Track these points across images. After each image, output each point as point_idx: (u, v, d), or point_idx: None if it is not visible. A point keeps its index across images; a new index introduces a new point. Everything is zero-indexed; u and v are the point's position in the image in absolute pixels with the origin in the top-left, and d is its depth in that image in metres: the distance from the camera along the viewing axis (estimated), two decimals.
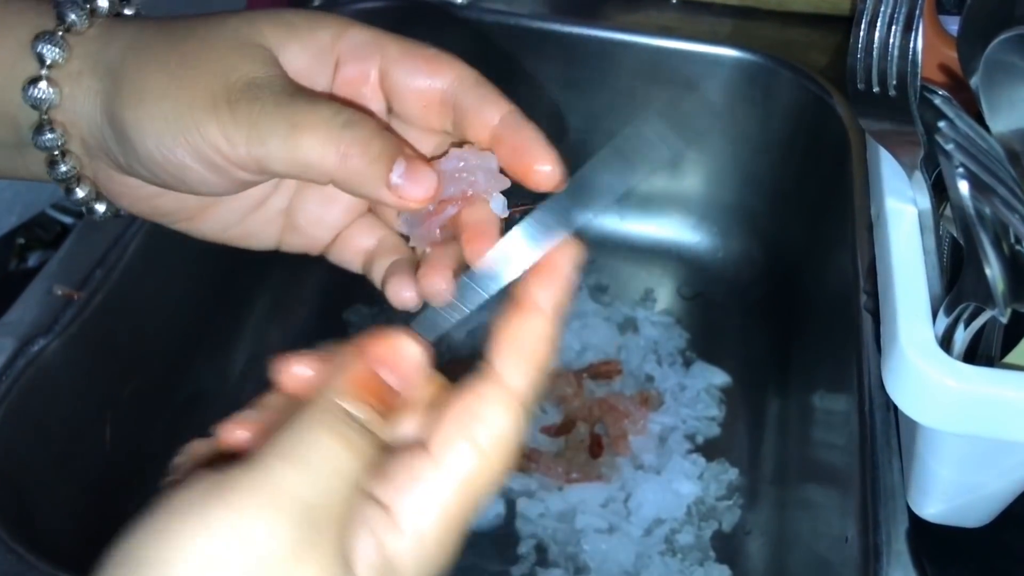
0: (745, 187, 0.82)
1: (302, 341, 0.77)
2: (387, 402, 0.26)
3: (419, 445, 0.27)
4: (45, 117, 0.34)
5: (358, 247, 0.36)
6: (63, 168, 0.35)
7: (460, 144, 0.33)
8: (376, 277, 0.35)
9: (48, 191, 0.65)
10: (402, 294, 0.32)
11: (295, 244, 0.37)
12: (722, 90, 0.78)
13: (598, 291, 0.83)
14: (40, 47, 0.33)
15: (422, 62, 0.33)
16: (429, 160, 0.32)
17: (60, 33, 0.34)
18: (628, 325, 0.81)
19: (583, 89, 0.80)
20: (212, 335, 0.71)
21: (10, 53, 0.34)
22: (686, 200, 0.85)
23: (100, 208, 0.37)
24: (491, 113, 0.32)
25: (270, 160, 0.31)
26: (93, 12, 0.35)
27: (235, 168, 0.31)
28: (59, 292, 0.56)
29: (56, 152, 0.35)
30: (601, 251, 0.85)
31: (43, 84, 0.33)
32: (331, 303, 0.81)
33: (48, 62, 0.33)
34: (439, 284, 0.30)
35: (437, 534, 0.26)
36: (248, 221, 0.37)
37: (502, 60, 0.79)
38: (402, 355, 0.27)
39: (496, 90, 0.33)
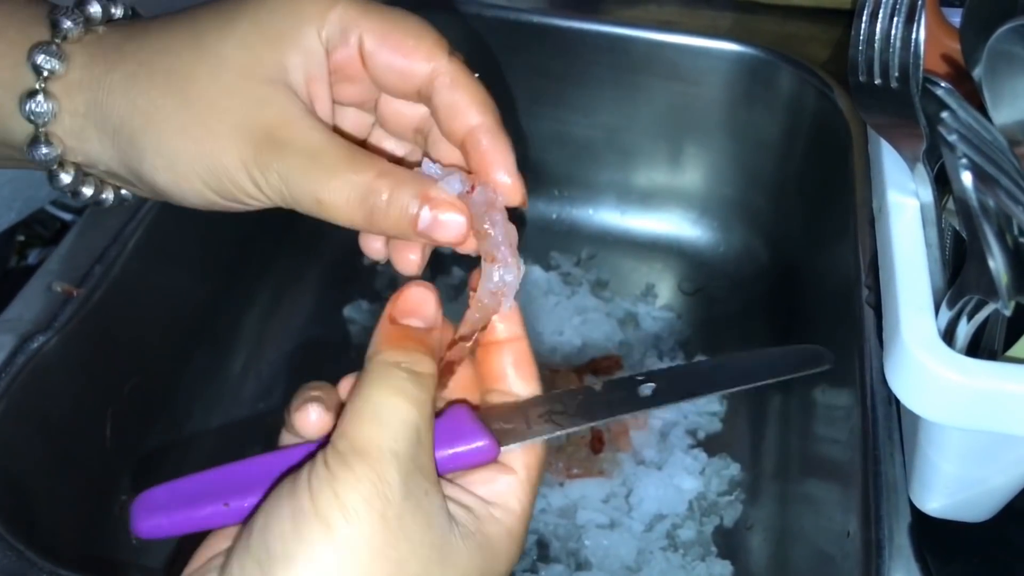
0: (746, 182, 0.82)
1: (302, 338, 0.77)
2: (421, 340, 0.31)
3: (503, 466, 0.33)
4: (42, 131, 0.34)
5: None
6: (65, 180, 0.35)
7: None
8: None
9: (47, 188, 0.65)
10: (408, 257, 0.35)
11: None
12: (723, 84, 0.78)
13: (599, 286, 0.83)
14: (37, 58, 0.33)
15: (399, 52, 0.34)
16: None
17: (56, 43, 0.33)
18: (629, 320, 0.81)
19: (583, 84, 0.80)
20: (212, 331, 0.71)
21: (2, 60, 0.34)
22: (687, 195, 0.85)
23: (109, 196, 0.38)
24: (460, 124, 0.33)
25: (303, 211, 0.33)
26: (88, 20, 0.34)
27: (269, 204, 0.34)
28: (58, 289, 0.56)
29: (54, 166, 0.35)
30: (602, 246, 0.85)
31: (40, 98, 0.33)
32: (331, 300, 0.81)
33: (45, 73, 0.33)
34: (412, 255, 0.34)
35: (521, 531, 0.32)
36: None
37: (501, 55, 0.79)
38: (417, 301, 0.32)
39: (472, 91, 0.33)
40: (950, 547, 0.46)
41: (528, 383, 0.34)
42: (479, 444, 0.31)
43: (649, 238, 0.86)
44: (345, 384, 0.32)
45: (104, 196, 0.37)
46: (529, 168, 0.85)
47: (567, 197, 0.87)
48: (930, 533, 0.46)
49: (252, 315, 0.76)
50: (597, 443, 0.72)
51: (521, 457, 0.33)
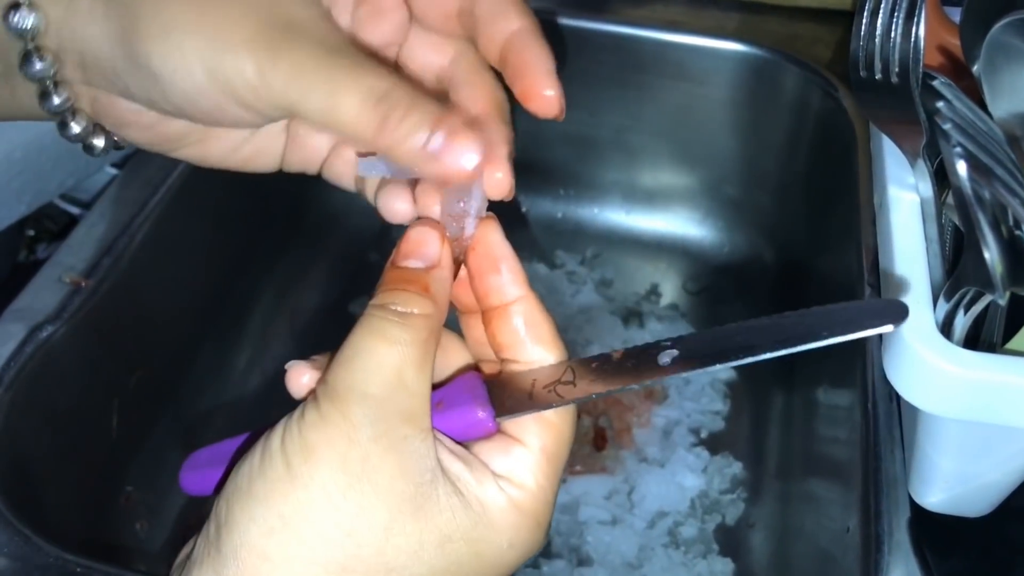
0: (751, 182, 0.82)
1: (307, 333, 0.78)
2: (417, 280, 0.29)
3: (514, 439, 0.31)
4: (31, 45, 0.32)
5: (351, 158, 0.35)
6: (56, 101, 0.33)
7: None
8: (368, 192, 0.35)
9: (57, 181, 0.66)
10: (395, 206, 0.33)
11: (295, 161, 0.36)
12: (728, 85, 0.78)
13: (603, 285, 0.84)
14: None
15: None
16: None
17: None
18: (633, 319, 0.81)
19: (590, 83, 0.80)
20: (218, 324, 0.72)
21: None
22: (692, 194, 0.85)
23: (99, 143, 0.35)
24: (501, 28, 0.32)
25: (307, 114, 0.30)
26: None
27: (267, 108, 0.31)
28: (67, 279, 0.56)
29: (48, 82, 0.32)
30: (607, 245, 0.86)
31: (24, 11, 0.31)
32: (336, 295, 0.81)
33: None
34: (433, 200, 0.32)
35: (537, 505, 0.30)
36: (254, 139, 0.35)
37: None
38: (417, 241, 0.30)
39: (515, 2, 0.32)
40: (949, 542, 0.46)
41: (544, 345, 0.31)
42: (473, 414, 0.29)
43: (654, 237, 0.86)
44: None
45: (95, 141, 0.35)
46: (535, 167, 0.86)
47: (572, 196, 0.87)
48: (929, 528, 0.46)
49: (258, 309, 0.77)
50: (600, 440, 0.72)
51: (533, 429, 0.30)
